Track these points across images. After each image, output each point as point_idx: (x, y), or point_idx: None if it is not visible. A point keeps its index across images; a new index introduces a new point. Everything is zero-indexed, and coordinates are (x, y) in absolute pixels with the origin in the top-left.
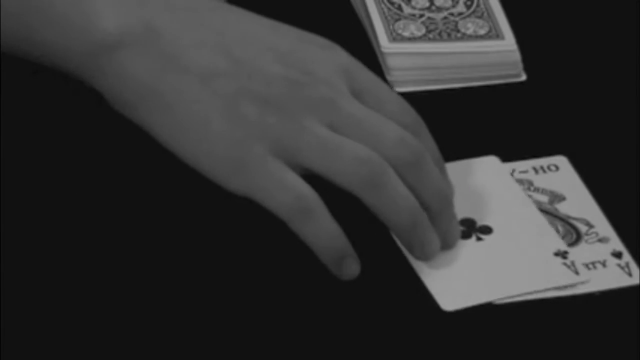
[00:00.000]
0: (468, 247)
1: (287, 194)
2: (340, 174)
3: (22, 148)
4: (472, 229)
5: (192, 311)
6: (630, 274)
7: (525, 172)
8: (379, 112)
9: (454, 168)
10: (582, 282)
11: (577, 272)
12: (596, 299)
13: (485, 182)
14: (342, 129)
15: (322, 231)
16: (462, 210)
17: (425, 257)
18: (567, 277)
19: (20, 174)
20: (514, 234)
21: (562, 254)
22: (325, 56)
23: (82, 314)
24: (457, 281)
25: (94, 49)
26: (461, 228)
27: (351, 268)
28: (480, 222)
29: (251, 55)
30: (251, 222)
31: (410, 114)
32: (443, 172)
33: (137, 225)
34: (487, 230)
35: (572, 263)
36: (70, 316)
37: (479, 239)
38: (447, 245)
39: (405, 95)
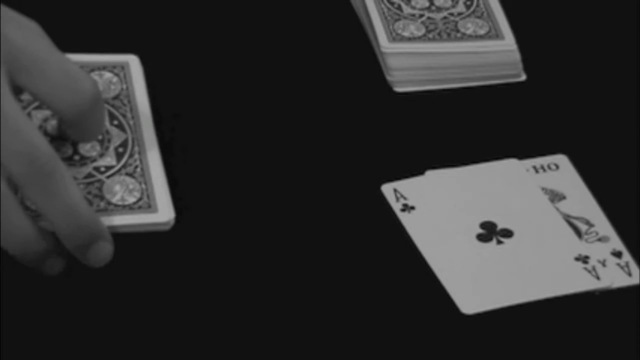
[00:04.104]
0: (489, 251)
1: None
2: None
3: None
4: (492, 232)
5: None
6: (630, 274)
7: (525, 171)
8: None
9: (474, 171)
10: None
11: (598, 277)
12: (596, 299)
13: (506, 185)
14: None
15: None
16: (483, 213)
17: (47, 275)
18: (589, 282)
19: None
20: (534, 238)
21: (583, 259)
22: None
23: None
24: (477, 284)
25: None
26: (482, 231)
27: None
28: (500, 226)
29: None
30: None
31: (76, 97)
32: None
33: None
34: (507, 233)
35: (593, 268)
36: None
37: (499, 242)
38: (91, 265)
39: (405, 95)
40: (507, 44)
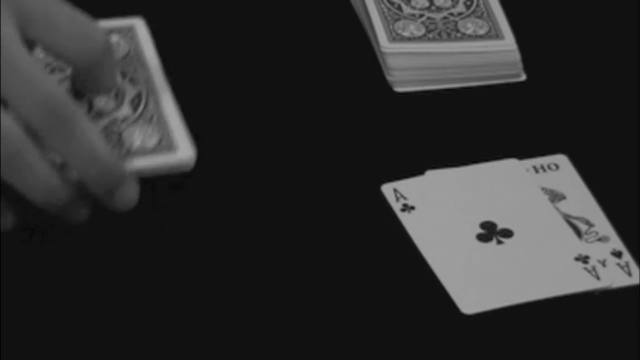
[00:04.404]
0: (489, 251)
1: None
2: None
3: None
4: (492, 232)
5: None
6: (630, 274)
7: (525, 171)
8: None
9: (474, 171)
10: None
11: (598, 277)
12: (596, 299)
13: (506, 185)
14: (3, 84)
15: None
16: (483, 213)
17: (74, 223)
18: (589, 282)
19: None
20: (534, 238)
21: (583, 259)
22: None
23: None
24: (477, 284)
25: None
26: (482, 231)
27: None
28: (500, 226)
29: None
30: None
31: (88, 47)
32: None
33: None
34: (507, 233)
35: (593, 268)
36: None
37: (499, 242)
38: (119, 209)
39: (405, 95)
40: (507, 44)
